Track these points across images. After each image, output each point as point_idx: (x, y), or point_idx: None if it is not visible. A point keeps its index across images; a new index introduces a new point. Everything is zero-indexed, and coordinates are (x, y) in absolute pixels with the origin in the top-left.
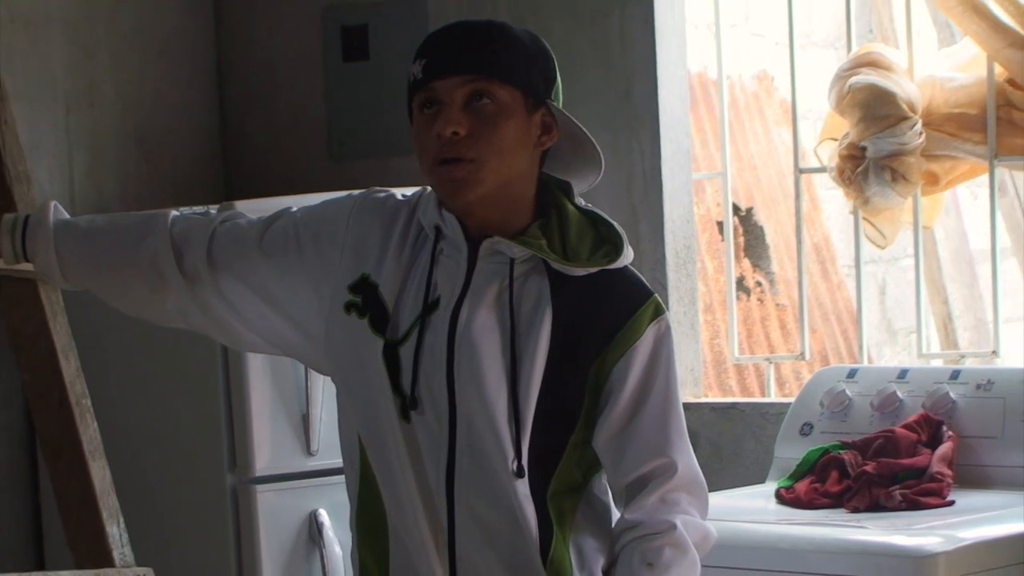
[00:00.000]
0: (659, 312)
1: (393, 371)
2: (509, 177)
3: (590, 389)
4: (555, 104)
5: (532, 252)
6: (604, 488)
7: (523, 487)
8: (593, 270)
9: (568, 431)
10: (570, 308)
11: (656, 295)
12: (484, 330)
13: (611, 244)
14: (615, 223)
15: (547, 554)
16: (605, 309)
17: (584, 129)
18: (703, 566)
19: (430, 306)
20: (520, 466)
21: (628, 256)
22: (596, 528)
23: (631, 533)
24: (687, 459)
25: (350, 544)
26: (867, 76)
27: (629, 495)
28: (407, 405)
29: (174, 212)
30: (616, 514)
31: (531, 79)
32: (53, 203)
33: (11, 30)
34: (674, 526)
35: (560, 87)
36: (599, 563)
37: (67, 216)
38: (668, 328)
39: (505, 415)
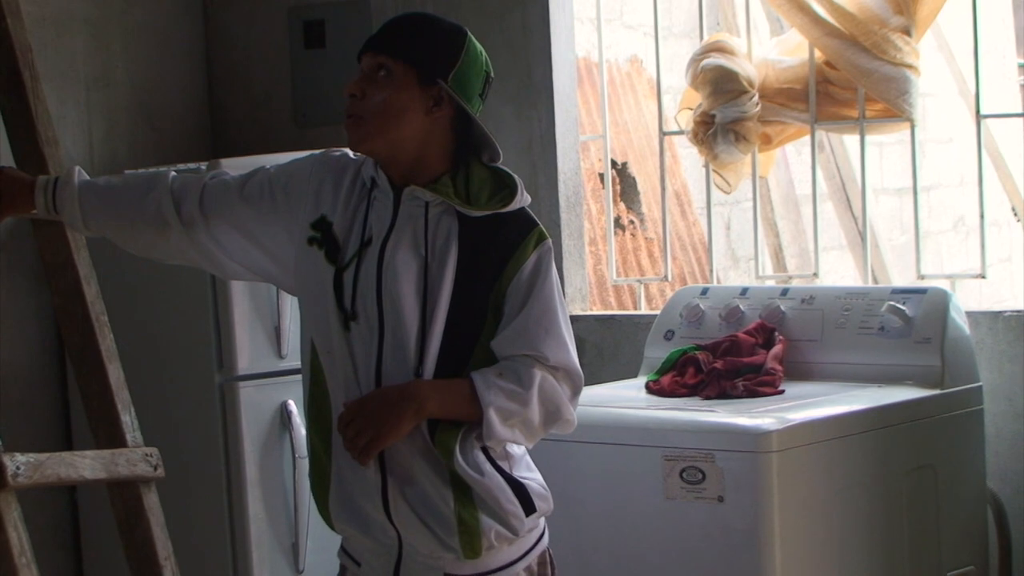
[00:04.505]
0: (542, 239)
1: (338, 292)
2: (399, 135)
3: (492, 307)
4: (447, 85)
5: (441, 198)
6: None
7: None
8: (489, 213)
9: (474, 338)
10: (473, 242)
11: (541, 226)
12: (404, 260)
13: (508, 189)
14: (514, 174)
15: (435, 428)
16: (500, 242)
17: (476, 119)
18: (585, 442)
19: (366, 241)
20: (420, 365)
21: (523, 200)
22: None
23: None
24: (563, 354)
25: None
26: (716, 59)
27: None
28: (348, 318)
29: (172, 172)
30: None
31: (425, 58)
32: (77, 168)
33: (42, 26)
34: (530, 367)
35: (463, 71)
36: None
37: (88, 178)
38: (550, 251)
39: (416, 326)
